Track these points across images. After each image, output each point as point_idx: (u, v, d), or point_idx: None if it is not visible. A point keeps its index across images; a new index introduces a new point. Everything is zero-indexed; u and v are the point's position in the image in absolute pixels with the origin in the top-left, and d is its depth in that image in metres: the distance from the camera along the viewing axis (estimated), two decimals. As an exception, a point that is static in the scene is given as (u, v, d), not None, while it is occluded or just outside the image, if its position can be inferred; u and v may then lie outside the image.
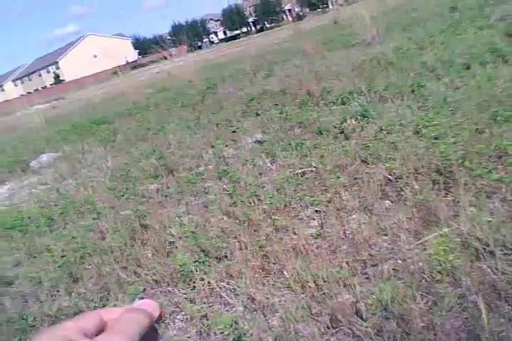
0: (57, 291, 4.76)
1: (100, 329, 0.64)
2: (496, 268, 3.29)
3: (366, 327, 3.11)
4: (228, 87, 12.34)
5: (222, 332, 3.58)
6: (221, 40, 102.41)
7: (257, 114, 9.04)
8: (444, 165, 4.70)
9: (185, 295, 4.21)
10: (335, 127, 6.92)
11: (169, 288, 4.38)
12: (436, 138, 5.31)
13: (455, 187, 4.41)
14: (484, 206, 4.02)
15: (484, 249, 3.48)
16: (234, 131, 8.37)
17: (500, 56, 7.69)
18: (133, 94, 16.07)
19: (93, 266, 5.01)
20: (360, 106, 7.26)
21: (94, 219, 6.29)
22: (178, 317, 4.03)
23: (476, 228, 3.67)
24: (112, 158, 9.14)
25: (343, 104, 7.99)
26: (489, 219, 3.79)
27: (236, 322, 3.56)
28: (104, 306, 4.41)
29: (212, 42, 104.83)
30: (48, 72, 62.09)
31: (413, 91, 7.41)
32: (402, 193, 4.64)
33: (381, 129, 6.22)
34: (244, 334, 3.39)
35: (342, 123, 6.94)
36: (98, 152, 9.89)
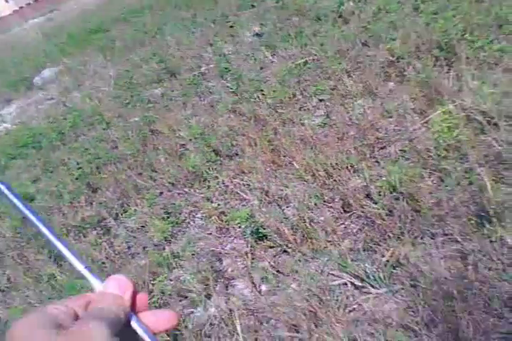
0: (78, 202, 4.89)
1: None
2: (501, 140, 3.32)
3: (377, 208, 3.20)
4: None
5: (241, 226, 3.70)
6: None
7: (253, 6, 8.80)
8: (445, 40, 4.61)
9: (201, 195, 4.32)
10: (333, 11, 6.73)
11: (185, 189, 4.49)
12: (435, 13, 5.18)
13: (457, 61, 4.36)
14: (487, 78, 3.99)
15: (488, 121, 3.50)
16: (231, 26, 8.19)
17: None
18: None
19: (109, 174, 5.11)
20: (357, -14, 7.03)
21: (104, 129, 6.34)
22: (197, 216, 4.16)
23: (479, 101, 3.67)
24: (113, 66, 9.06)
25: (339, -14, 7.73)
26: (492, 90, 3.78)
27: (252, 216, 3.67)
28: (126, 212, 4.56)
29: None
30: (37, -18, 60.20)
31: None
32: (404, 73, 4.60)
33: (379, 9, 6.06)
34: (261, 226, 3.50)
35: (340, 6, 6.74)
36: (98, 62, 9.77)
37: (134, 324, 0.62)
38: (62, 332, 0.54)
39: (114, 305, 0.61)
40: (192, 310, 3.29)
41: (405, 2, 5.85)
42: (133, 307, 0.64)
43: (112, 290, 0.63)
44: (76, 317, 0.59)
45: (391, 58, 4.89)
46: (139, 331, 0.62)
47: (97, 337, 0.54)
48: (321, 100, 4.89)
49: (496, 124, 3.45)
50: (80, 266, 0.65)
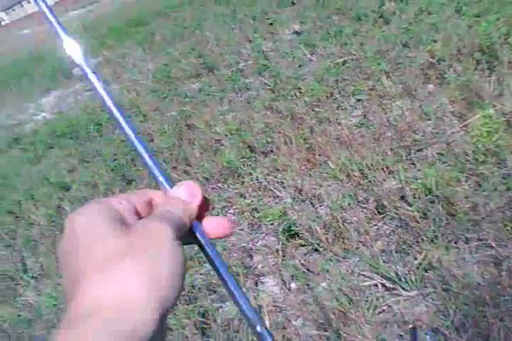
0: (113, 193, 4.95)
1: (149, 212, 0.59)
2: (541, 146, 3.28)
3: (412, 211, 3.18)
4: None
5: (273, 223, 3.71)
6: None
7: (293, 3, 8.80)
8: (487, 43, 4.56)
9: (235, 190, 4.34)
10: (374, 11, 6.71)
11: (219, 185, 4.51)
12: (478, 16, 5.13)
13: (499, 65, 4.31)
14: (529, 84, 3.94)
15: (528, 127, 3.45)
16: (271, 24, 8.20)
17: None
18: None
19: (144, 168, 5.14)
20: (399, -13, 6.98)
21: (140, 122, 6.39)
22: (230, 211, 4.18)
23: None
24: (151, 59, 9.13)
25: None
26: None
27: (285, 213, 3.68)
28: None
29: None
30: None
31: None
32: (444, 76, 4.56)
33: (421, 10, 6.02)
34: (294, 224, 3.51)
35: (381, 7, 6.71)
36: (137, 55, 9.86)
37: (197, 232, 0.61)
38: (125, 228, 0.52)
39: (182, 210, 0.59)
40: (221, 304, 3.31)
41: (448, 4, 5.80)
42: (197, 215, 0.62)
43: (182, 195, 0.61)
44: (138, 215, 0.57)
45: (431, 60, 4.85)
46: (201, 239, 0.61)
47: (163, 238, 0.52)
48: (358, 100, 4.87)
49: (536, 130, 3.41)
50: (154, 170, 0.64)
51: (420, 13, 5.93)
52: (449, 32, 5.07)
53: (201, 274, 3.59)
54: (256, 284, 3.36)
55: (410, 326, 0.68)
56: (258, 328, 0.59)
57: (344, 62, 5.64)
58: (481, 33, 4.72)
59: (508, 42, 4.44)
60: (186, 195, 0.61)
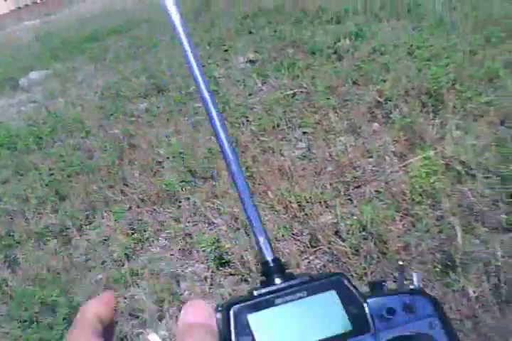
0: (44, 209, 4.80)
1: None
2: (477, 192, 3.30)
3: (344, 246, 3.15)
4: (221, 4, 12.00)
5: (204, 250, 3.63)
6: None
7: (250, 33, 8.83)
8: (435, 87, 4.63)
9: (170, 214, 4.25)
10: (328, 47, 6.77)
11: (154, 207, 4.42)
12: (428, 60, 5.21)
13: (444, 109, 4.37)
14: (471, 129, 4.00)
15: (466, 172, 3.49)
16: (226, 50, 8.20)
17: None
18: (126, 10, 15.68)
19: (80, 184, 5.01)
20: (355, 25, 7.08)
21: (82, 137, 6.25)
22: (162, 235, 4.09)
23: (460, 151, 3.67)
24: (102, 76, 9.00)
25: (338, 23, 7.78)
26: (474, 142, 3.78)
27: (218, 241, 3.61)
28: (90, 223, 4.47)
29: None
30: (41, -14, 60.32)
31: (409, 10, 7.21)
32: (390, 115, 4.60)
33: (374, 50, 6.09)
34: (226, 252, 3.44)
35: (336, 43, 6.78)
36: (88, 70, 9.72)
37: None
38: None
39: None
40: (141, 330, 3.20)
41: (401, 46, 5.89)
42: None
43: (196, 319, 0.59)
44: None
45: (379, 99, 4.90)
46: None
47: None
48: (304, 133, 4.87)
49: (473, 176, 3.44)
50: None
51: (373, 53, 6.01)
52: (399, 73, 5.13)
53: (125, 298, 3.47)
54: (180, 311, 3.26)
55: (399, 263, 0.66)
56: (261, 239, 0.69)
57: (294, 95, 5.65)
58: (429, 76, 4.79)
59: (454, 88, 4.52)
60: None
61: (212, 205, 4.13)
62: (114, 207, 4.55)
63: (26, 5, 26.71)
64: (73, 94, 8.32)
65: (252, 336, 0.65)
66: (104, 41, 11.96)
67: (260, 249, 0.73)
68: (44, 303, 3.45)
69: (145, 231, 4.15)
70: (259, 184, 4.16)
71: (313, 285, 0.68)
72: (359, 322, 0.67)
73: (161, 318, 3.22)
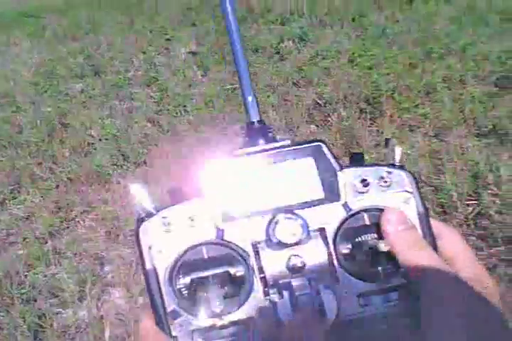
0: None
1: None
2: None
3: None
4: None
5: (132, 235, 3.58)
6: None
7: (194, 24, 8.79)
8: (374, 95, 4.73)
9: (98, 196, 4.18)
10: (271, 47, 6.81)
11: (83, 188, 4.33)
12: (369, 68, 5.31)
13: (381, 118, 4.47)
14: (406, 139, 4.10)
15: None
16: (168, 39, 8.12)
17: (444, -6, 7.67)
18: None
19: (7, 158, 4.86)
20: (300, 28, 7.15)
21: (13, 112, 6.06)
22: (89, 216, 4.00)
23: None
24: (38, 53, 8.74)
25: (283, 24, 7.84)
26: (409, 152, 3.88)
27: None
28: (14, 198, 4.34)
29: None
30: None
31: (353, 19, 7.34)
32: (328, 119, 4.67)
33: (317, 54, 6.16)
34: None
35: (279, 43, 6.83)
36: (24, 46, 9.43)
37: None
38: None
39: None
40: (60, 309, 3.12)
41: (343, 52, 5.98)
42: None
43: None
44: None
45: (319, 101, 4.96)
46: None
47: None
48: (242, 127, 4.87)
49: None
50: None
51: (316, 56, 6.07)
52: (339, 78, 5.20)
53: (46, 276, 3.38)
54: (102, 293, 3.21)
55: (386, 137, 0.68)
56: (249, 98, 0.77)
57: (234, 89, 5.65)
58: (369, 84, 4.89)
59: (393, 97, 4.62)
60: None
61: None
62: (41, 184, 4.43)
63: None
64: (6, 69, 8.04)
65: (225, 194, 0.68)
66: (43, 18, 11.63)
67: (247, 108, 0.79)
68: (-40, 275, 3.33)
69: (71, 211, 4.06)
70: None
71: (293, 150, 0.70)
72: (331, 190, 0.69)
73: (81, 299, 3.15)
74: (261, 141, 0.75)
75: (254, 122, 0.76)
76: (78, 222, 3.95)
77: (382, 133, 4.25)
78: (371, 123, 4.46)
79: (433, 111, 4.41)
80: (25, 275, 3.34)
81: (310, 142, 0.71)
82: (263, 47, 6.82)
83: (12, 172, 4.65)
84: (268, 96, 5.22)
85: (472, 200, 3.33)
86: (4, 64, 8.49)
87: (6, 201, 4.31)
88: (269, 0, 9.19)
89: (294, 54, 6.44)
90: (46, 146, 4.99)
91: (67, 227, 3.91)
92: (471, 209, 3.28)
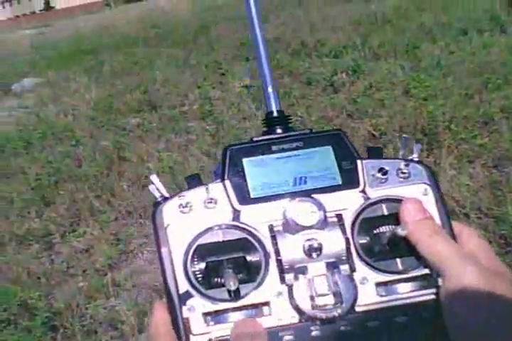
0: (28, 213, 4.74)
1: None
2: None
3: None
4: (222, 29, 12.11)
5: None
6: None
7: (247, 59, 8.91)
8: (430, 126, 4.69)
9: (156, 229, 4.22)
10: (325, 79, 6.84)
11: (141, 220, 4.39)
12: (425, 99, 5.29)
13: (438, 149, 4.42)
14: (464, 170, 4.05)
15: (460, 211, 3.51)
16: (223, 74, 8.25)
17: (499, 24, 7.61)
18: (123, 28, 15.78)
19: (67, 191, 4.97)
20: (353, 60, 7.18)
21: (72, 146, 6.21)
22: (147, 248, 4.05)
23: (454, 189, 3.70)
24: (95, 88, 8.99)
25: (336, 57, 7.88)
26: (468, 182, 3.82)
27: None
28: (74, 231, 4.42)
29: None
30: (39, -3, 60.39)
31: (407, 51, 7.33)
32: (384, 150, 4.64)
33: (371, 86, 6.17)
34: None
35: (332, 76, 6.86)
36: (82, 81, 9.70)
37: None
38: None
39: None
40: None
41: (397, 84, 5.97)
42: None
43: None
44: None
45: (374, 133, 4.94)
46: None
47: None
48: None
49: (467, 214, 3.47)
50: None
51: (370, 88, 6.08)
52: (394, 109, 5.19)
53: (105, 308, 3.42)
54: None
55: (404, 135, 0.70)
56: (269, 88, 0.78)
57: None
58: (425, 115, 4.85)
59: (449, 128, 4.58)
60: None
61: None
62: (99, 216, 4.51)
63: (24, 14, 26.72)
64: (66, 104, 8.28)
65: (244, 177, 0.69)
66: (100, 55, 11.98)
67: (266, 98, 0.79)
68: (23, 305, 3.39)
69: (130, 243, 4.12)
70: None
71: (311, 138, 0.72)
72: (349, 177, 0.70)
73: (141, 331, 3.17)
74: (279, 131, 0.75)
75: (273, 111, 0.78)
76: (137, 254, 4.00)
77: (439, 164, 4.20)
78: (428, 155, 4.42)
79: (491, 141, 4.35)
80: (86, 308, 3.38)
81: (328, 131, 0.73)
82: (317, 79, 6.86)
83: (71, 205, 4.75)
84: (322, 128, 5.22)
85: (535, 232, 3.25)
86: (63, 98, 8.74)
87: (66, 233, 4.40)
88: (321, 34, 9.30)
89: (347, 86, 6.46)
90: (105, 179, 5.10)
91: (126, 259, 3.96)
92: (534, 241, 3.20)
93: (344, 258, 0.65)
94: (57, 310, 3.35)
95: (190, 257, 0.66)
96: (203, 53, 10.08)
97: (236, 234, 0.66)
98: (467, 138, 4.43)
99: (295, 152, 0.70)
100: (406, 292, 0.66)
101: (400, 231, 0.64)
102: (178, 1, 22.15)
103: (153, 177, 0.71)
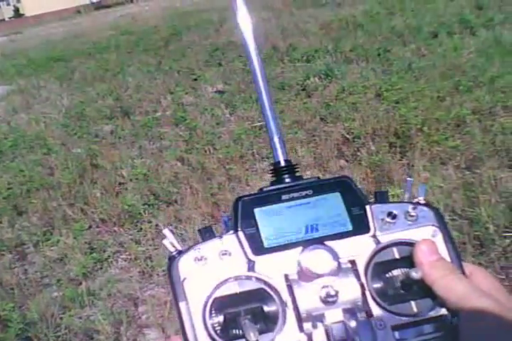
0: (0, 222, 4.67)
1: None
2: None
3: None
4: (193, 35, 12.11)
5: (165, 274, 3.57)
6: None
7: (220, 65, 8.91)
8: (403, 129, 4.72)
9: (130, 236, 4.19)
10: (298, 84, 6.87)
11: (115, 228, 4.35)
12: (397, 102, 5.32)
13: (411, 151, 4.45)
14: (438, 172, 4.07)
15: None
16: (195, 79, 8.24)
17: (468, 27, 7.71)
18: (94, 35, 15.71)
19: (39, 200, 4.91)
20: (325, 65, 7.21)
21: (44, 154, 6.14)
22: (122, 256, 4.01)
23: (427, 191, 3.71)
24: (67, 96, 8.92)
25: (308, 61, 7.92)
26: (441, 184, 3.84)
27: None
28: (48, 240, 4.36)
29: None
30: (8, 4, 59.83)
31: (379, 54, 7.39)
32: (358, 153, 4.66)
33: (343, 89, 6.19)
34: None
35: (305, 80, 6.89)
36: (53, 89, 9.63)
37: None
38: None
39: None
40: (96, 352, 3.11)
41: (370, 87, 6.00)
42: None
43: None
44: None
45: (347, 136, 4.96)
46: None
47: None
48: (270, 164, 4.87)
49: (440, 216, 3.48)
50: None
51: (342, 92, 6.10)
52: (367, 113, 5.21)
53: (80, 318, 3.38)
54: (137, 334, 3.18)
55: (407, 178, 0.69)
56: (275, 138, 0.79)
57: (261, 127, 5.68)
58: (398, 118, 4.88)
59: (422, 131, 4.61)
60: None
61: (175, 229, 4.08)
62: (73, 225, 4.45)
63: (-8, 22, 26.42)
64: (37, 112, 8.20)
65: (257, 227, 0.69)
66: (71, 62, 11.90)
67: (273, 148, 0.80)
68: (-4, 317, 3.33)
69: (104, 251, 4.07)
70: (224, 211, 4.14)
71: (319, 186, 0.72)
72: (360, 223, 0.70)
73: (116, 341, 3.13)
74: (287, 180, 0.76)
75: (280, 161, 0.78)
76: (111, 262, 3.96)
77: (412, 166, 4.22)
78: (401, 157, 4.44)
79: (464, 143, 4.38)
80: (61, 318, 3.33)
81: (336, 178, 0.73)
82: (289, 84, 6.88)
83: (44, 214, 4.69)
84: (296, 133, 5.23)
85: (509, 232, 3.27)
86: (34, 107, 8.66)
87: (39, 243, 4.33)
88: (293, 38, 9.33)
89: (320, 90, 6.48)
90: (78, 187, 5.04)
91: (101, 268, 3.91)
92: (508, 241, 3.22)
93: (360, 303, 0.66)
94: (32, 320, 3.29)
95: (208, 310, 0.65)
96: (175, 59, 10.07)
97: (252, 285, 0.67)
98: (440, 140, 4.45)
99: (305, 200, 0.71)
100: (424, 334, 0.66)
101: (414, 274, 0.64)
102: (150, 7, 22.08)
103: (166, 231, 0.70)
